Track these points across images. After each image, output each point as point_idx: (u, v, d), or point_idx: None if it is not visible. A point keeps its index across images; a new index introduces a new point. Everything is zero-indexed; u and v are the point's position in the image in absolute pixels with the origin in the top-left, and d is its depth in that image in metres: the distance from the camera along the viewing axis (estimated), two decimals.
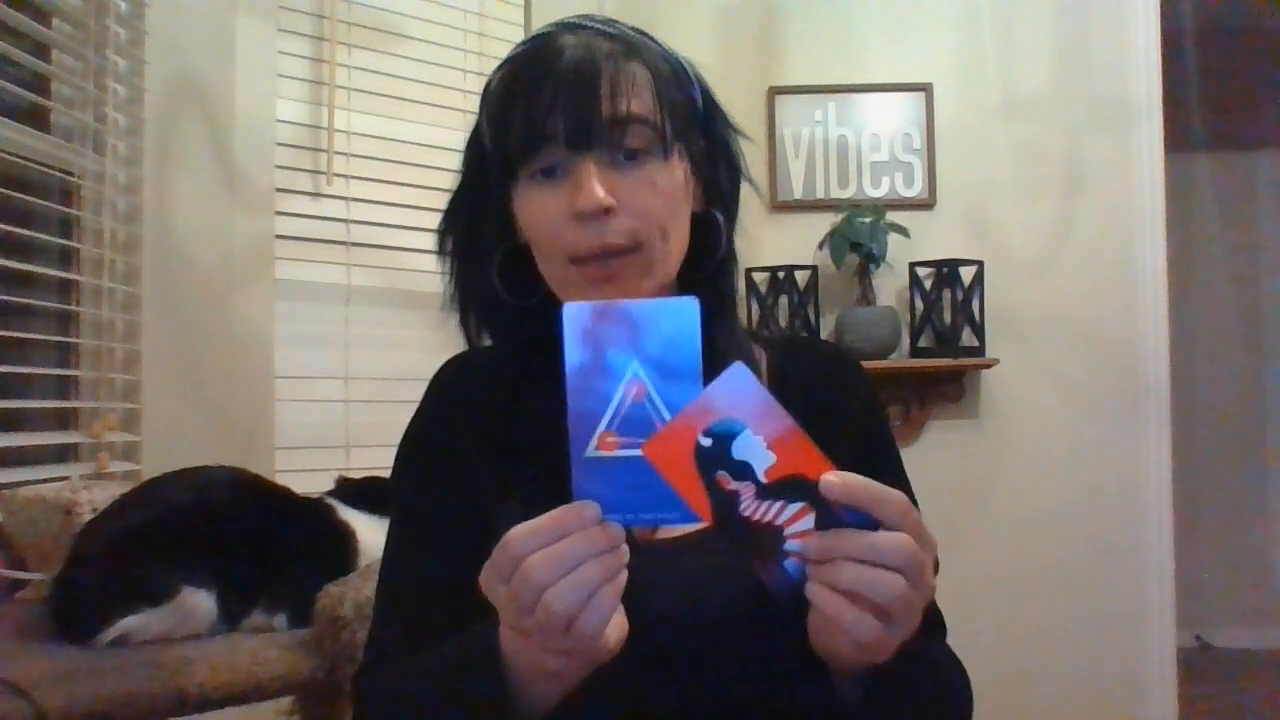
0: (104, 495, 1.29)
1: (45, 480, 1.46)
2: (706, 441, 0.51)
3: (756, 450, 0.51)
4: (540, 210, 0.71)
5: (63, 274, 1.65)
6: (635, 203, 0.69)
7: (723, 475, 0.51)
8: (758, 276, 2.53)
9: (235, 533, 1.25)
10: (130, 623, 1.13)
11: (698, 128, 0.76)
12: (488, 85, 0.75)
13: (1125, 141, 2.65)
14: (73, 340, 1.68)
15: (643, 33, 0.76)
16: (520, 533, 0.52)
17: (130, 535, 1.18)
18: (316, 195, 2.07)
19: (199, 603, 1.18)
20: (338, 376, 2.08)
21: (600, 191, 0.67)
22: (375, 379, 2.12)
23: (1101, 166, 2.65)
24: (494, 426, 0.76)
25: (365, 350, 2.12)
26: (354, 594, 1.18)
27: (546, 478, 0.66)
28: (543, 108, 0.68)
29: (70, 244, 1.67)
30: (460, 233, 0.80)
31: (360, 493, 1.41)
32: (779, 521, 0.52)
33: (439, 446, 0.77)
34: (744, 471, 0.51)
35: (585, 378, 0.51)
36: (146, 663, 1.06)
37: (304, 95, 2.06)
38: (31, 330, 1.62)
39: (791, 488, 0.51)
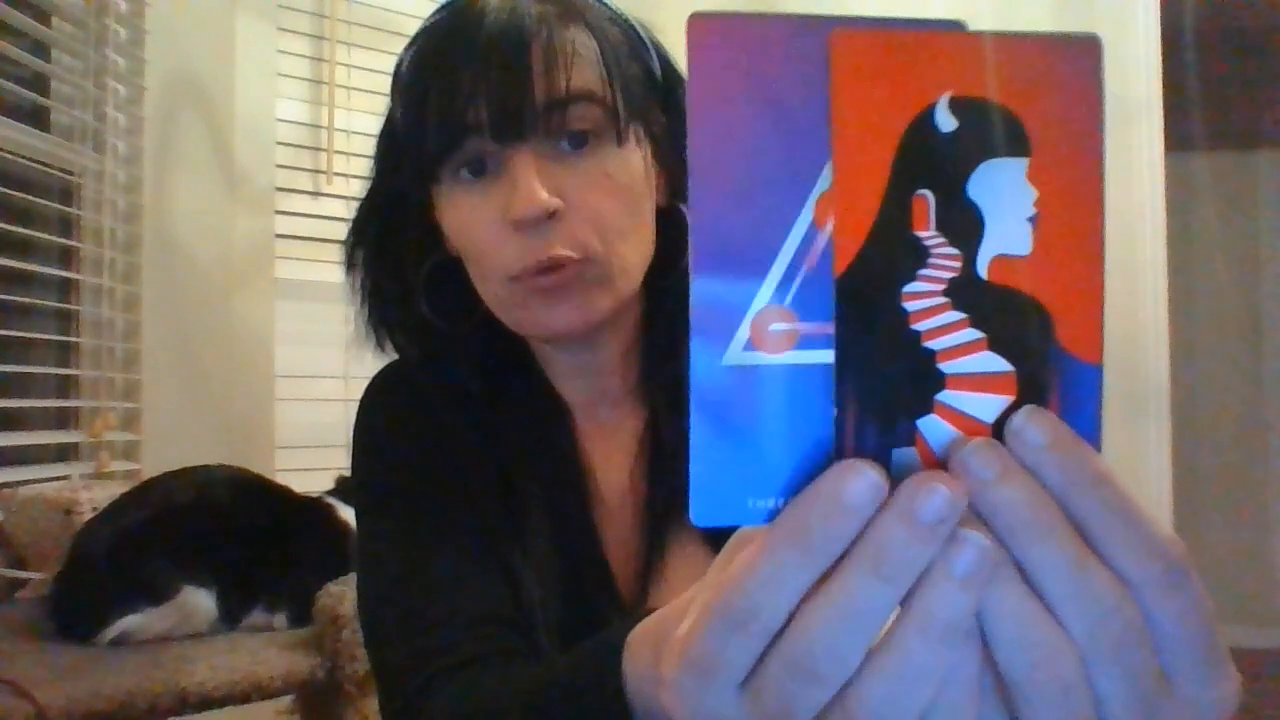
0: (104, 495, 1.30)
1: (45, 480, 1.46)
2: (946, 122, 0.25)
3: (1014, 187, 0.25)
4: (470, 218, 0.57)
5: (63, 273, 1.65)
6: (585, 203, 0.55)
7: (922, 197, 0.25)
8: None
9: (235, 532, 1.25)
10: (130, 622, 1.13)
11: (657, 103, 0.62)
12: (398, 66, 0.60)
13: (1125, 141, 2.65)
14: (73, 339, 1.68)
15: None
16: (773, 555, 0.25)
17: (130, 535, 1.18)
18: (316, 195, 2.06)
19: (199, 602, 1.18)
20: (338, 376, 2.08)
21: (543, 193, 0.54)
22: None
23: None
24: (473, 452, 0.64)
25: (365, 350, 2.11)
26: (354, 593, 1.18)
27: (533, 521, 0.61)
28: (462, 92, 0.54)
29: (70, 243, 1.67)
30: (374, 246, 0.66)
31: None
32: (939, 347, 0.25)
33: (441, 455, 0.65)
34: (960, 222, 0.25)
35: (730, 187, 0.25)
36: (146, 662, 1.06)
37: (304, 95, 2.06)
38: (31, 329, 1.62)
39: (1015, 311, 0.25)
